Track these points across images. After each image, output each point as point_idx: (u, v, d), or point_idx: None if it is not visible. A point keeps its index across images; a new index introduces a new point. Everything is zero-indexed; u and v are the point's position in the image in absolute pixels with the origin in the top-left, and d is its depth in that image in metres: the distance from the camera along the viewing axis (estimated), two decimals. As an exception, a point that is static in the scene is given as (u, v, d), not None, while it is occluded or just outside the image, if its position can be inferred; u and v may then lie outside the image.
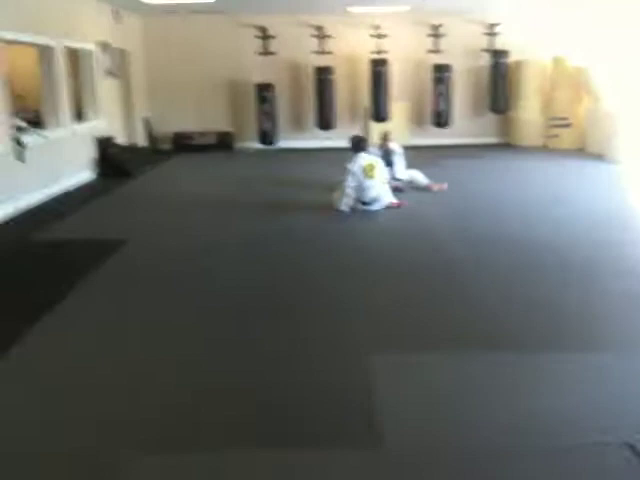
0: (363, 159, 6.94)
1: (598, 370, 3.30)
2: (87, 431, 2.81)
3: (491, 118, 12.63)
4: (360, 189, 6.88)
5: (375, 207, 6.96)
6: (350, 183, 6.86)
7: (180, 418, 2.90)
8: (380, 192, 6.99)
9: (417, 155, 9.54)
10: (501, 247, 5.62)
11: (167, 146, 12.42)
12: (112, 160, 9.74)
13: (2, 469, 2.56)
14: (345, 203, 6.91)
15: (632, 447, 2.57)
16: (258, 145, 12.42)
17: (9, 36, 7.19)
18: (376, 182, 6.94)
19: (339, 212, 6.88)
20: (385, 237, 6.19)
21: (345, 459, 2.58)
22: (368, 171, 6.86)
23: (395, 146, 8.35)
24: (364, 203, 6.94)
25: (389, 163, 7.88)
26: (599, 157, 10.37)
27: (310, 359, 3.48)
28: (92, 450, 2.66)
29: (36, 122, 9.36)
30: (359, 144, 7.19)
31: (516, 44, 11.98)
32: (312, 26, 12.14)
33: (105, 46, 10.28)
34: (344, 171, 6.94)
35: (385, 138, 8.42)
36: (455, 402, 3.01)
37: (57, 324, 4.04)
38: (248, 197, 8.03)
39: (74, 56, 9.47)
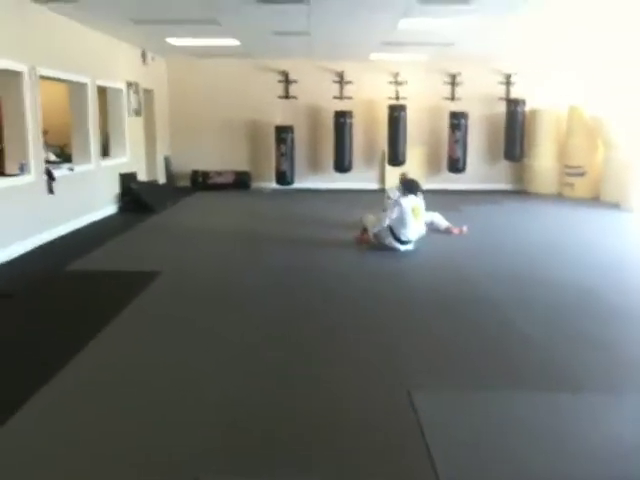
0: (412, 201, 7.07)
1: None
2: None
3: (506, 165, 12.82)
4: (402, 225, 6.95)
5: (407, 248, 7.05)
6: (392, 215, 6.95)
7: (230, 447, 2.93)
8: (417, 235, 7.13)
9: (434, 200, 9.63)
10: (534, 287, 5.70)
11: (185, 183, 12.59)
12: (135, 195, 9.89)
13: None
14: (378, 228, 7.05)
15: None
16: (275, 185, 12.59)
17: (47, 73, 7.40)
18: (418, 225, 7.07)
19: (368, 243, 7.05)
20: (418, 276, 6.25)
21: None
22: (414, 213, 6.99)
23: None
24: (400, 241, 7.00)
25: None
26: (615, 206, 10.48)
27: (362, 398, 3.51)
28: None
29: (61, 156, 9.58)
30: (412, 186, 7.30)
31: (532, 93, 12.26)
32: (333, 71, 12.44)
33: (133, 86, 10.54)
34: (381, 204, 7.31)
35: (404, 177, 8.16)
36: (507, 442, 3.02)
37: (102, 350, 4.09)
38: (269, 232, 8.17)
39: (102, 94, 9.71)
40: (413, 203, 7.05)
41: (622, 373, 3.86)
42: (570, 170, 11.86)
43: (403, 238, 6.99)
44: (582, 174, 11.72)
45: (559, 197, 11.90)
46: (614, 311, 5.05)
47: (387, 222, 6.97)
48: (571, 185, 11.86)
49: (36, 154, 7.12)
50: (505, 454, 2.90)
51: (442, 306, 5.16)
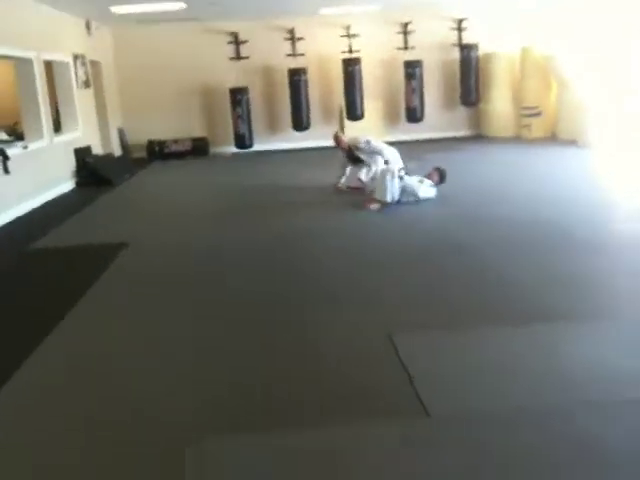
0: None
1: (621, 337, 3.44)
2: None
3: (463, 111, 12.86)
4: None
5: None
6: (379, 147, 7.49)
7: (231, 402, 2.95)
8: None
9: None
10: (501, 227, 5.80)
11: (141, 154, 12.36)
12: (92, 170, 9.69)
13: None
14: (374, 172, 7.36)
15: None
16: (234, 149, 12.45)
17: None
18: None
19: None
20: (386, 225, 6.28)
21: (396, 428, 2.66)
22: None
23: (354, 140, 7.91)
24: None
25: (357, 160, 7.74)
26: (572, 143, 10.64)
27: (344, 342, 3.55)
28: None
29: (13, 135, 9.32)
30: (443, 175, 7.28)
31: (484, 37, 12.25)
32: (283, 29, 12.24)
33: (80, 57, 10.23)
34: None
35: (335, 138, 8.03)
36: (491, 372, 3.10)
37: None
38: (231, 198, 8.07)
39: (49, 68, 9.41)
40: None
41: (592, 302, 3.97)
42: (526, 111, 11.96)
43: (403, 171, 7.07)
44: (538, 114, 11.83)
45: (517, 139, 12.02)
46: (579, 244, 5.16)
47: (385, 156, 7.34)
48: (528, 126, 11.97)
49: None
50: (485, 385, 2.97)
51: (412, 254, 5.20)
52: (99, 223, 7.19)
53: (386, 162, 7.36)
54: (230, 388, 3.09)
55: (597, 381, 2.94)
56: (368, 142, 7.62)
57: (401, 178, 6.88)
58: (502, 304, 3.98)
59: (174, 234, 6.37)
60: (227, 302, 4.32)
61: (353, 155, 7.71)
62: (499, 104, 12.37)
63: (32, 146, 8.15)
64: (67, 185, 9.30)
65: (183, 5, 9.88)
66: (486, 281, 4.43)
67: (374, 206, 6.78)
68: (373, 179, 7.26)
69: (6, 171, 7.08)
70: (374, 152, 7.55)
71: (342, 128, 12.66)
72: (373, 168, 7.48)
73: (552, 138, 11.53)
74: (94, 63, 11.16)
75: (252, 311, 4.11)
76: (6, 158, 7.06)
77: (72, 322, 4.09)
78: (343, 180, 7.87)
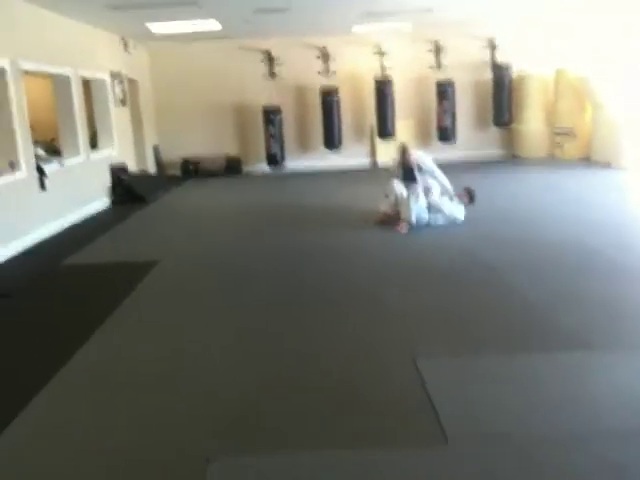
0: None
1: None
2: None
3: (495, 131, 12.79)
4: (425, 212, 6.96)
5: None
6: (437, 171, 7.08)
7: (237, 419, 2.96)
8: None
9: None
10: (534, 250, 5.76)
11: (176, 172, 12.54)
12: (126, 187, 9.85)
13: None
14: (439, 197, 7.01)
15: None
16: (266, 168, 12.55)
17: (29, 67, 7.33)
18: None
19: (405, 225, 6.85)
20: (417, 247, 6.28)
21: (416, 456, 2.64)
22: None
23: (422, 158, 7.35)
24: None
25: (412, 179, 7.14)
26: (606, 165, 10.51)
27: (370, 363, 3.55)
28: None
29: (50, 151, 9.51)
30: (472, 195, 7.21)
31: (518, 57, 12.18)
32: (315, 47, 12.35)
33: (117, 75, 10.45)
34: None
35: (404, 151, 7.35)
36: (508, 401, 3.06)
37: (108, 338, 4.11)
38: (263, 217, 8.14)
39: (87, 86, 9.63)
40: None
41: (625, 329, 3.89)
42: (559, 132, 11.86)
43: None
44: (571, 135, 11.72)
45: (550, 160, 11.91)
46: (614, 267, 5.10)
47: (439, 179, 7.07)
48: (561, 147, 11.86)
49: (25, 150, 7.06)
50: (505, 411, 2.94)
51: (444, 275, 5.19)
52: (131, 240, 7.31)
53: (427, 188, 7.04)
54: (247, 406, 3.11)
55: (619, 409, 2.89)
56: (431, 162, 7.27)
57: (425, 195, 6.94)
58: (527, 328, 3.94)
59: (203, 251, 6.48)
60: (249, 315, 4.42)
61: (411, 174, 7.14)
62: (532, 125, 12.29)
63: (68, 162, 8.33)
64: (102, 202, 9.47)
65: (218, 25, 10.05)
66: (511, 304, 4.40)
67: (402, 227, 6.79)
68: (401, 203, 7.08)
69: (43, 187, 7.24)
70: (431, 174, 7.17)
71: (373, 147, 12.71)
72: (434, 190, 7.03)
73: (586, 160, 11.39)
74: (131, 81, 11.38)
75: (275, 324, 4.17)
76: (43, 175, 7.22)
77: (98, 339, 4.16)
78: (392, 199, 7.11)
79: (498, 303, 4.44)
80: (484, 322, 4.10)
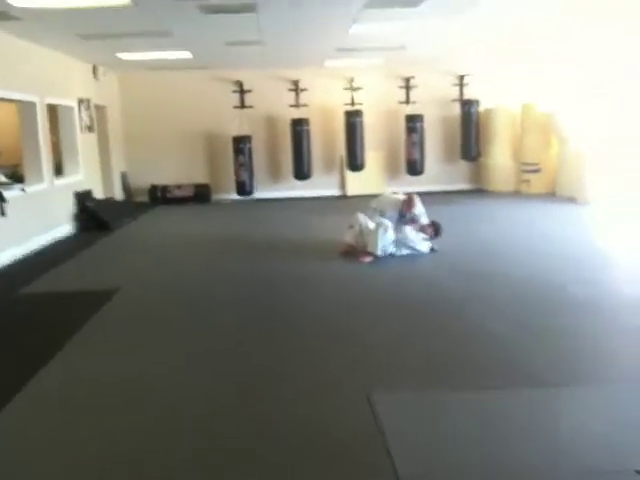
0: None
1: (610, 402, 3.36)
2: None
3: (463, 165, 12.96)
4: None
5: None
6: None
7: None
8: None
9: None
10: (497, 283, 5.78)
11: (144, 199, 12.44)
12: (91, 213, 9.73)
13: None
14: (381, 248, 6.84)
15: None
16: (235, 196, 12.51)
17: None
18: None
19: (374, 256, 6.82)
20: (380, 278, 6.27)
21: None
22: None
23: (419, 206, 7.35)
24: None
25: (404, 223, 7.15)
26: (571, 200, 10.67)
27: (326, 397, 3.49)
28: None
29: (13, 177, 9.38)
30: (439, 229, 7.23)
31: (485, 92, 12.42)
32: (288, 79, 12.44)
33: (85, 102, 10.38)
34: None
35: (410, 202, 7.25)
36: (469, 440, 3.02)
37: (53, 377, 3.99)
38: (232, 245, 8.08)
39: (53, 111, 9.55)
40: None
41: (585, 365, 3.89)
42: (526, 167, 12.04)
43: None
44: (538, 170, 11.91)
45: (517, 194, 12.07)
46: (575, 302, 5.12)
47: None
48: (527, 182, 12.03)
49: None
50: (466, 451, 2.89)
51: (404, 307, 5.17)
52: (92, 267, 7.19)
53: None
54: (207, 438, 3.02)
55: (577, 446, 2.86)
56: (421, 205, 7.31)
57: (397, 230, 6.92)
58: (489, 363, 3.92)
59: (168, 279, 6.40)
60: (207, 346, 4.34)
61: (404, 219, 7.14)
62: (499, 159, 12.47)
63: (31, 189, 8.20)
64: (65, 228, 9.31)
65: (190, 55, 10.08)
66: (474, 338, 4.38)
67: (366, 259, 6.79)
68: (367, 234, 7.07)
69: (2, 214, 7.11)
70: (419, 217, 7.22)
71: (342, 178, 12.78)
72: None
73: (551, 194, 11.56)
74: (99, 107, 11.32)
75: (231, 354, 4.09)
76: (3, 201, 7.09)
77: (57, 362, 4.04)
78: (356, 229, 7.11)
79: (462, 336, 4.42)
80: (446, 355, 4.07)
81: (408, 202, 7.20)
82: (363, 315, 5.00)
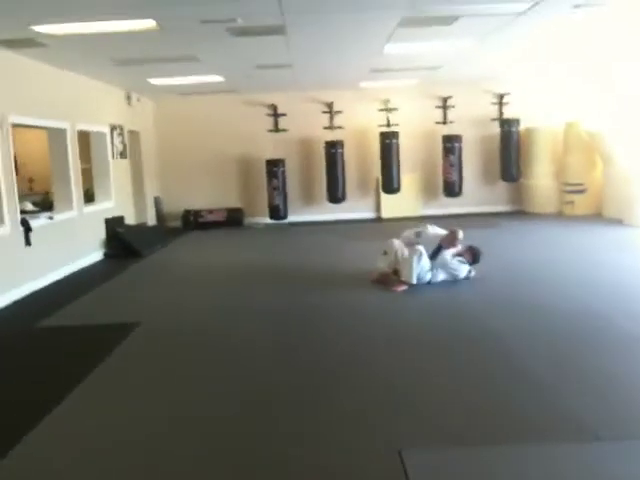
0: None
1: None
2: None
3: (503, 186, 12.54)
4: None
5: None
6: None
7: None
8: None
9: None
10: (541, 316, 5.34)
11: (177, 224, 12.33)
12: (121, 240, 9.59)
13: None
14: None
15: None
16: (268, 220, 12.30)
17: (21, 120, 7.16)
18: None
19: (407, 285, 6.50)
20: (411, 309, 5.92)
21: None
22: None
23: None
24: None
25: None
26: (618, 222, 10.15)
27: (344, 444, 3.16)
28: None
29: (44, 205, 9.34)
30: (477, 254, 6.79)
31: (526, 111, 12.00)
32: (322, 102, 12.24)
33: (118, 128, 10.33)
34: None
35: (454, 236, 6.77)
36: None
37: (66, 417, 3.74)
38: (261, 274, 7.80)
39: (85, 138, 9.49)
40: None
41: (629, 415, 3.46)
42: (569, 188, 11.55)
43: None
44: (582, 191, 11.41)
45: (559, 216, 11.57)
46: (625, 339, 4.68)
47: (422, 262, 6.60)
48: (571, 203, 11.54)
49: (10, 204, 6.81)
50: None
51: (441, 346, 4.78)
52: (114, 298, 6.94)
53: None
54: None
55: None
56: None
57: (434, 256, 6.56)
58: (526, 412, 3.51)
59: (188, 312, 6.10)
60: (228, 388, 4.02)
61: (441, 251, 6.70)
62: (541, 180, 12.01)
63: (60, 217, 8.09)
64: (94, 256, 9.18)
65: (221, 79, 9.96)
66: (511, 381, 3.98)
67: (400, 288, 6.44)
68: (402, 261, 6.71)
69: (28, 243, 6.98)
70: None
71: (378, 201, 12.48)
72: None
73: (597, 216, 11.04)
74: (133, 133, 11.26)
75: (251, 407, 3.76)
76: (29, 230, 6.97)
77: (61, 412, 3.80)
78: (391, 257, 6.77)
79: (503, 381, 4.01)
80: (487, 405, 3.67)
81: (453, 236, 6.70)
82: (396, 357, 4.59)
